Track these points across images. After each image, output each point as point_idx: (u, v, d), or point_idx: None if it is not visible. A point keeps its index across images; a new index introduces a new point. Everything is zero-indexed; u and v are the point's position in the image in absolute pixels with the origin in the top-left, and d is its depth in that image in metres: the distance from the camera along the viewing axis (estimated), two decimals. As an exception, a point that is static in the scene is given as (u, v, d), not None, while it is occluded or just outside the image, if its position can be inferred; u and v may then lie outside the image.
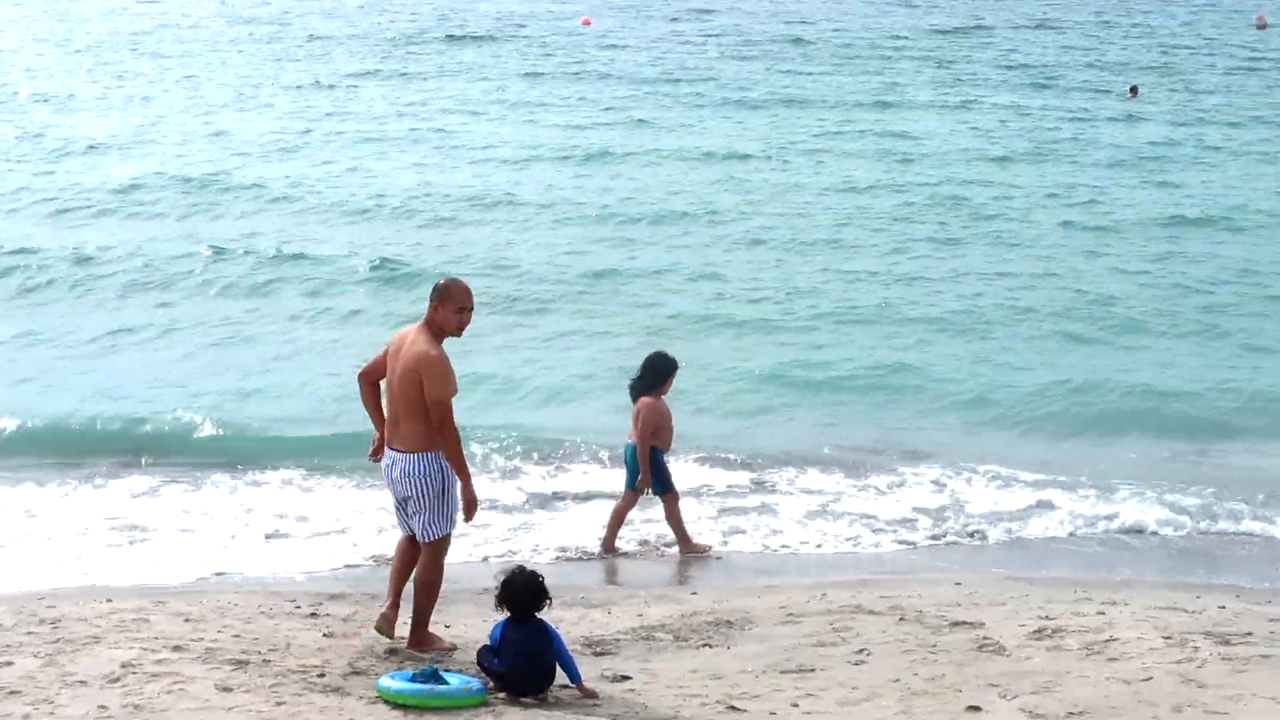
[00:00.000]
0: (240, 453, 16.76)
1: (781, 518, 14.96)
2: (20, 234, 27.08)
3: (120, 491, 15.37)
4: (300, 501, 15.28)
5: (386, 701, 8.69)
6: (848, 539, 14.66)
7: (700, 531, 14.37)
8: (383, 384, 10.63)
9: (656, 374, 13.96)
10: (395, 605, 10.54)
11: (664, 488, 13.99)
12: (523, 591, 9.20)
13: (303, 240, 26.96)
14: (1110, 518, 15.27)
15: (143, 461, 16.44)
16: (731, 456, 16.71)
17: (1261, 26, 66.02)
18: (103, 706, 8.52)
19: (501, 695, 8.99)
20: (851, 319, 23.04)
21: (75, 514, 14.58)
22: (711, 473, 16.20)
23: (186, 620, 10.70)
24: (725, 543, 14.37)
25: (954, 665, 9.93)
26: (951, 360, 21.15)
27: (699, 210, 29.59)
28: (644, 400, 13.86)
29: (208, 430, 17.52)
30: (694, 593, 12.32)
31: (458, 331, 10.43)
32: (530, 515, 15.15)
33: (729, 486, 15.87)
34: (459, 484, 10.33)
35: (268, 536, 14.25)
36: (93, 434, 17.39)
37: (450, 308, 10.33)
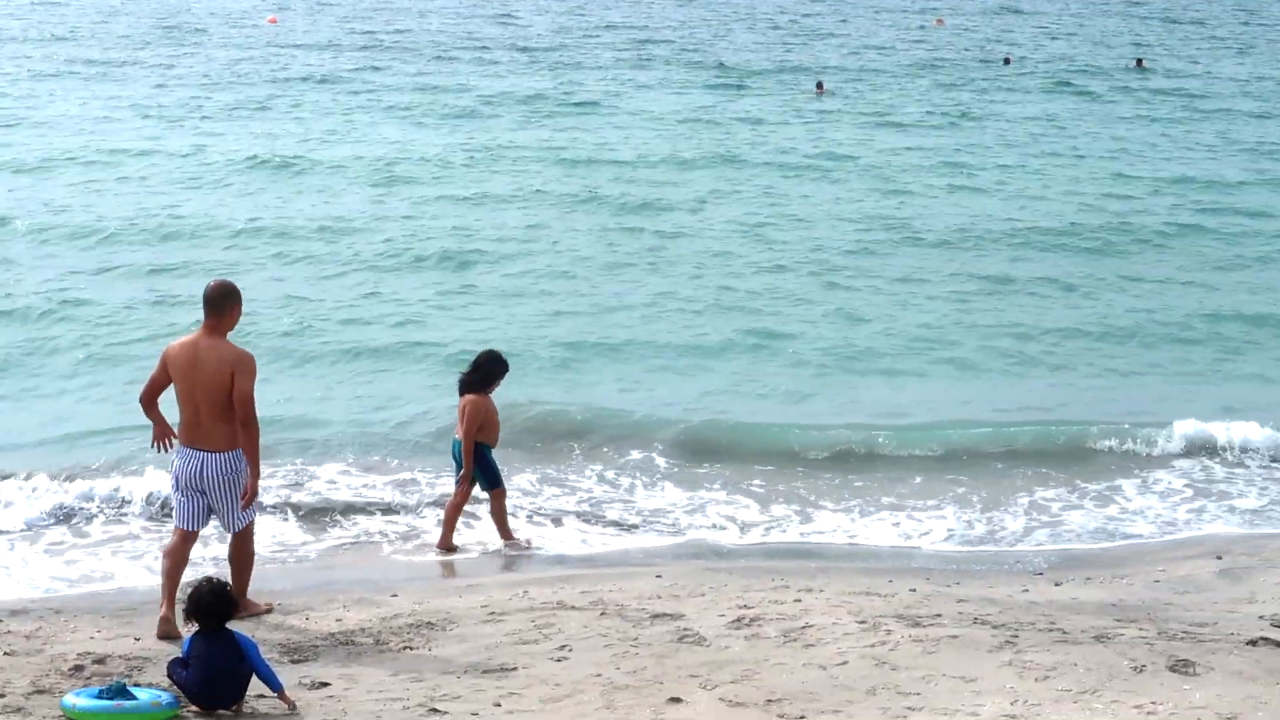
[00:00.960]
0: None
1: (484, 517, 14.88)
2: None
3: None
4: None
5: (72, 720, 8.36)
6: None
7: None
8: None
9: (487, 373, 14.08)
10: (172, 605, 10.82)
11: (491, 483, 14.13)
12: (210, 603, 8.95)
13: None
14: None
15: None
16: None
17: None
18: None
19: (194, 709, 8.72)
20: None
21: None
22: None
23: None
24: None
25: (655, 657, 9.98)
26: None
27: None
28: (470, 397, 13.95)
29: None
30: (394, 595, 12.15)
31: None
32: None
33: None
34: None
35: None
36: None
37: (240, 307, 11.37)
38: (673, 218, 29.70)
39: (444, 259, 25.97)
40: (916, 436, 17.87)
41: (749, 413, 18.86)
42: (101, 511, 14.79)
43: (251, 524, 11.48)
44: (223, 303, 11.24)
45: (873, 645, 10.05)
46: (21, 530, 14.37)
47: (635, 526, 15.12)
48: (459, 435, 14.01)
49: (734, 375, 20.41)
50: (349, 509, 15.25)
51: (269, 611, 11.54)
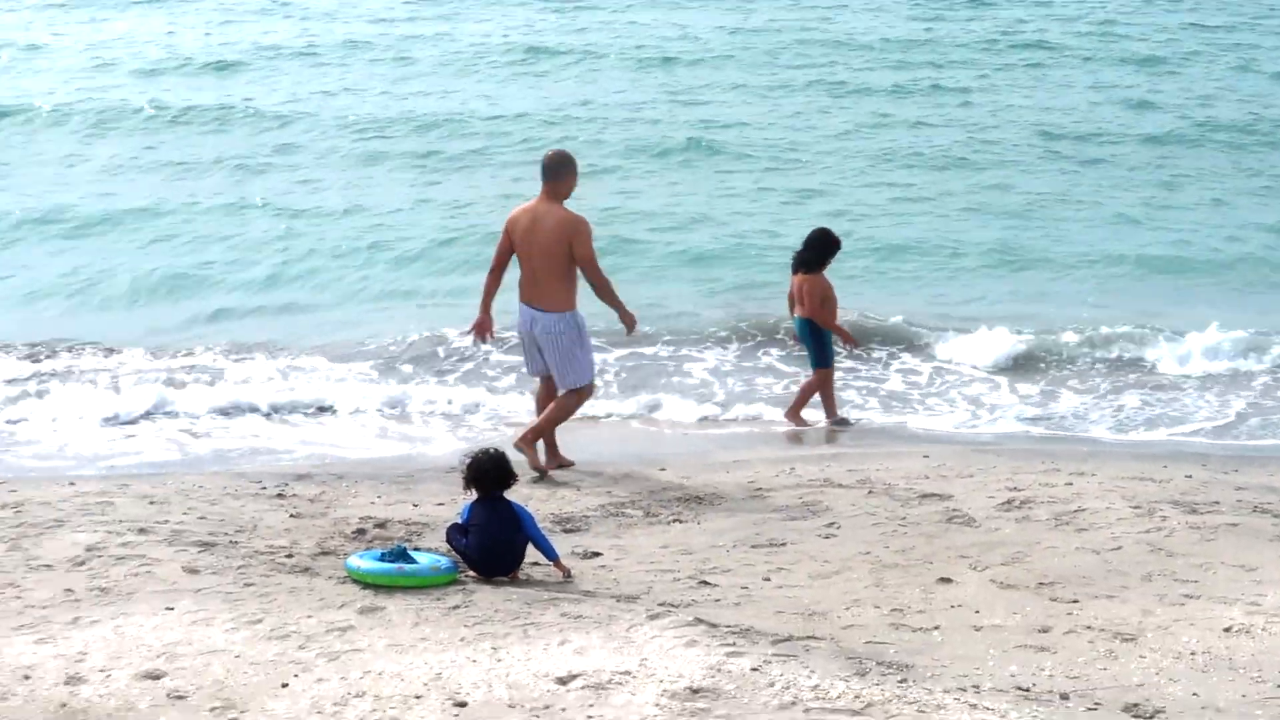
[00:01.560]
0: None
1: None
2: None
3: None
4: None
5: (355, 581, 8.62)
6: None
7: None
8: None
9: (821, 250, 14.18)
10: (533, 435, 12.11)
11: (821, 362, 14.33)
12: (491, 471, 9.11)
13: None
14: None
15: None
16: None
17: None
18: (69, 590, 8.42)
19: (471, 574, 8.93)
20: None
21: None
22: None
23: (151, 503, 10.60)
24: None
25: (924, 537, 9.92)
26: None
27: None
28: (807, 275, 14.12)
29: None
30: (663, 469, 12.27)
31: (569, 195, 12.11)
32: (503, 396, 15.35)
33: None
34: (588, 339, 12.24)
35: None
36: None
37: (575, 177, 12.08)
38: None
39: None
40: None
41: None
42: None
43: (584, 389, 12.29)
44: (560, 170, 11.99)
45: (1148, 531, 9.85)
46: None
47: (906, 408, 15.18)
48: (800, 314, 14.09)
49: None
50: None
51: (572, 465, 12.31)
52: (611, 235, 20.14)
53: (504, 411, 14.80)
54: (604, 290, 12.17)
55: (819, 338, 14.14)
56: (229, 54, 36.07)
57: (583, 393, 12.32)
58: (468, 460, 9.19)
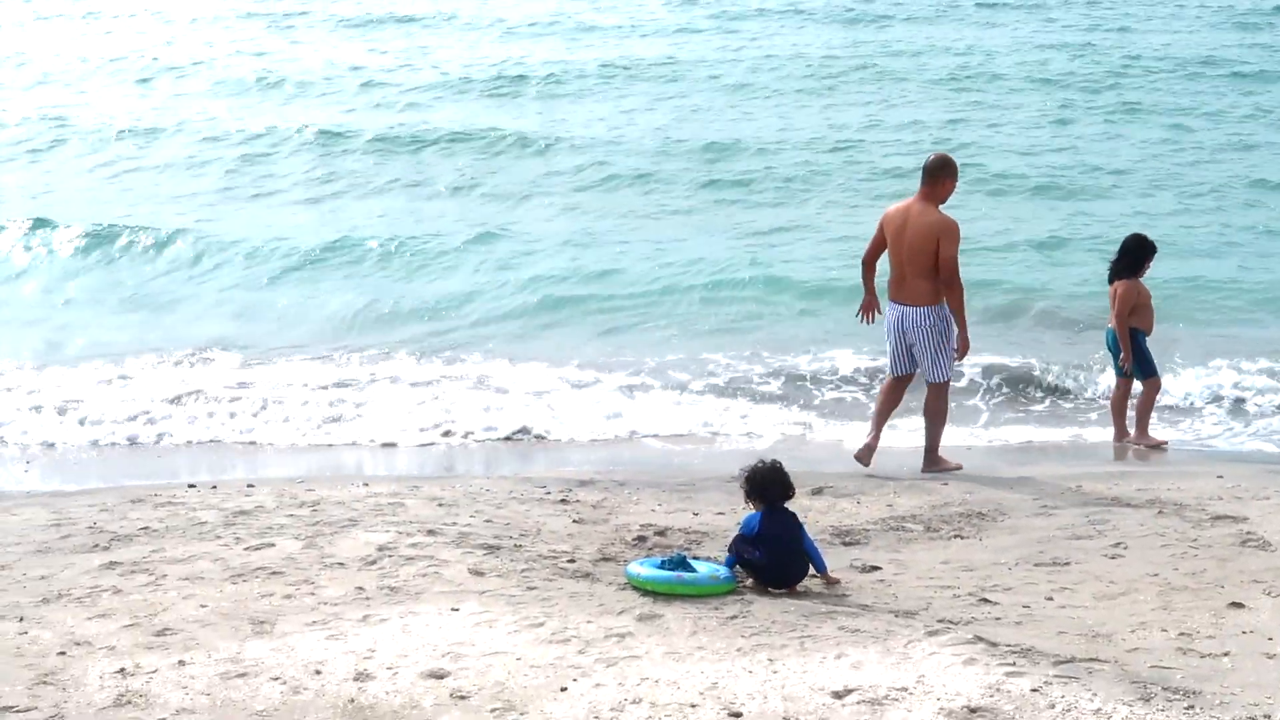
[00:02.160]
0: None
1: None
2: None
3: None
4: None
5: (635, 588, 8.72)
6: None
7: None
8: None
9: (1135, 255, 14.06)
10: (877, 437, 12.86)
11: (1145, 372, 14.10)
12: (775, 483, 9.12)
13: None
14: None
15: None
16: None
17: None
18: (360, 588, 8.70)
19: (749, 583, 8.96)
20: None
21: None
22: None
23: (440, 505, 10.89)
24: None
25: (1215, 560, 9.61)
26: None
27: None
28: (1121, 282, 13.97)
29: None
30: (945, 483, 12.14)
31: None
32: (784, 409, 15.39)
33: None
34: (956, 332, 12.57)
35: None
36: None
37: (955, 181, 12.55)
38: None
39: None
40: None
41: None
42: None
43: (947, 382, 12.88)
44: (939, 174, 12.48)
45: None
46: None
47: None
48: (1112, 324, 13.92)
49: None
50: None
51: (958, 469, 12.72)
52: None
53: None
54: (956, 296, 12.52)
55: (1137, 348, 13.83)
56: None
57: (945, 387, 12.87)
58: (746, 472, 9.22)
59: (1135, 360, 13.86)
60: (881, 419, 13.00)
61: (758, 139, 29.18)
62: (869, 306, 13.04)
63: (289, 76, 36.56)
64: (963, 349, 12.67)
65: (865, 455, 12.81)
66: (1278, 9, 41.28)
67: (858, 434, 13.45)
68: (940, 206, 12.56)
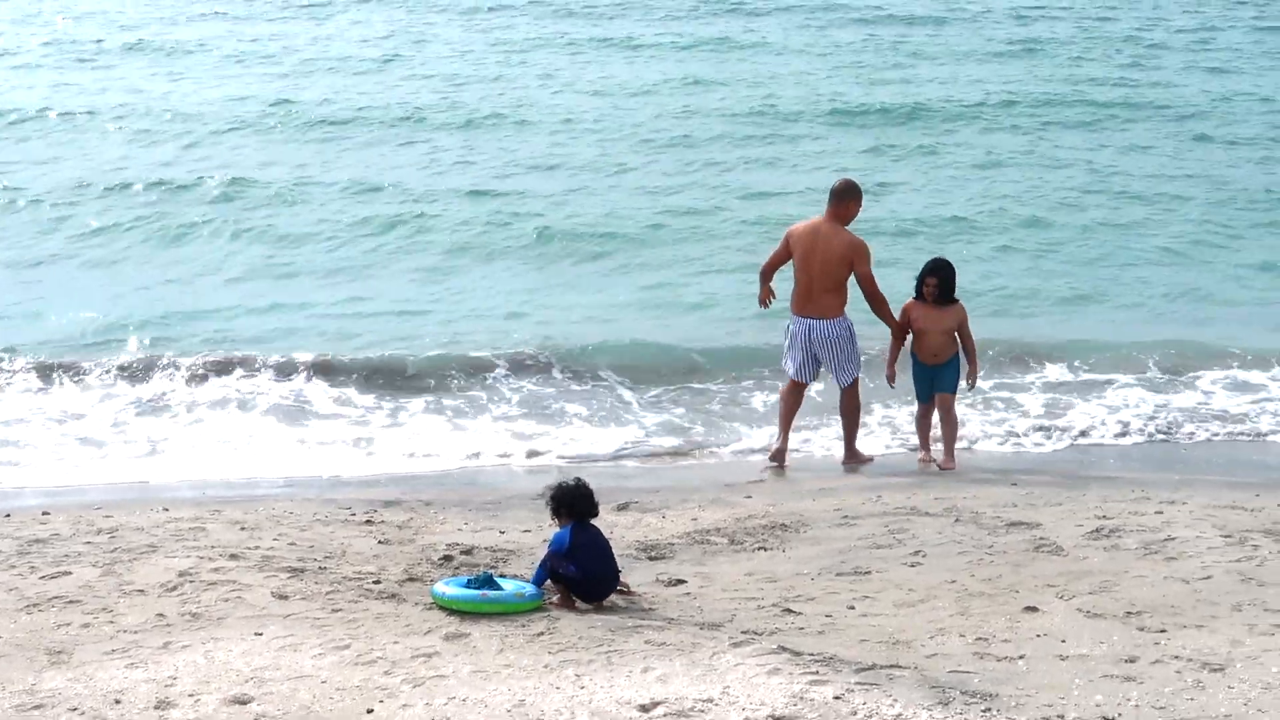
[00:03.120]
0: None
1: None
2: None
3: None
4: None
5: (441, 608, 8.69)
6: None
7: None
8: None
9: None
10: (786, 439, 13.81)
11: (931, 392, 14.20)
12: (580, 500, 9.17)
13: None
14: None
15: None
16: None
17: None
18: (160, 615, 8.55)
19: (555, 600, 8.98)
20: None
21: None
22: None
23: (242, 529, 10.74)
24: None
25: (1011, 566, 9.86)
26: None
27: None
28: (959, 304, 13.94)
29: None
30: (748, 496, 12.29)
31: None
32: (597, 427, 15.40)
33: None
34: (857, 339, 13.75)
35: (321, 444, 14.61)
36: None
37: (860, 204, 13.46)
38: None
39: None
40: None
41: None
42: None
43: (856, 381, 13.70)
44: (846, 196, 13.35)
45: (1238, 560, 9.74)
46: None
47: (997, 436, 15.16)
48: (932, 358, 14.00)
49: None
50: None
51: (871, 461, 13.86)
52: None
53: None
54: (881, 306, 13.56)
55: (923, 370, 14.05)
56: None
57: (856, 387, 13.73)
58: (551, 490, 9.25)
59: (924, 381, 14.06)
60: (787, 422, 13.83)
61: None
62: (766, 295, 13.79)
63: None
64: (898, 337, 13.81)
65: (779, 457, 13.71)
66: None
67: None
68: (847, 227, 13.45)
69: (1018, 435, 15.23)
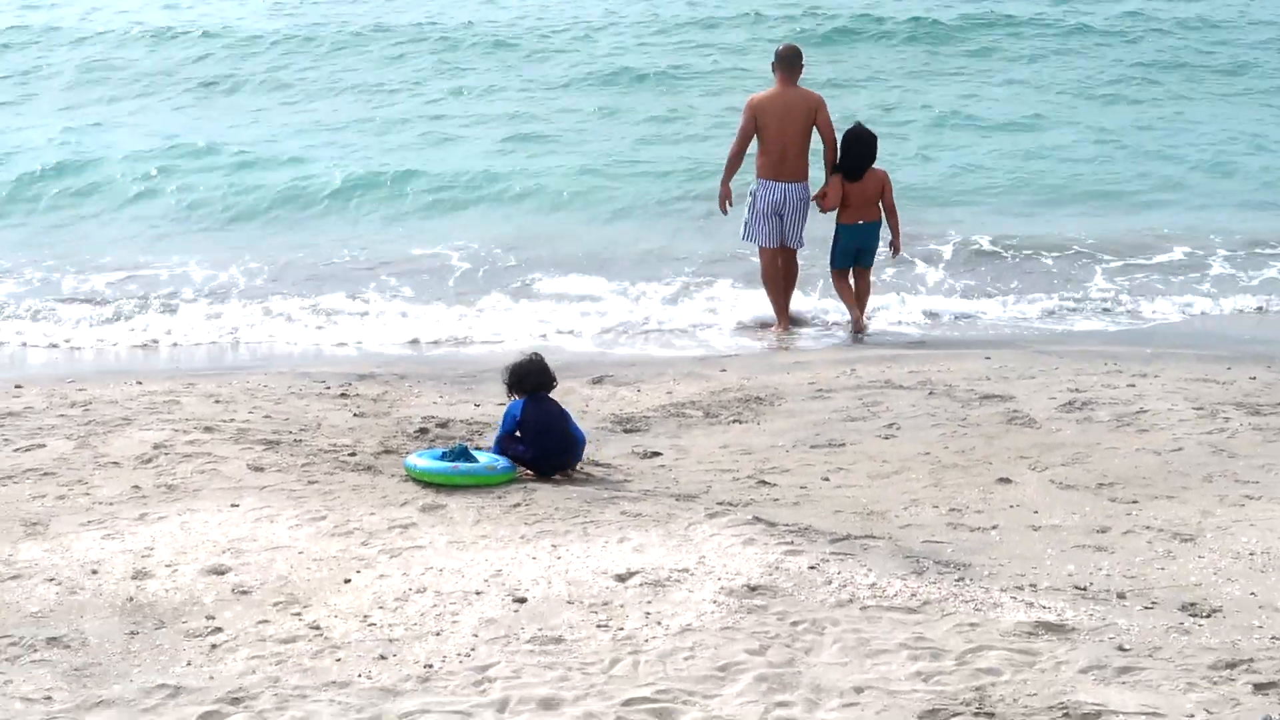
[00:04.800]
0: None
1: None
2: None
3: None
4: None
5: (415, 479, 8.71)
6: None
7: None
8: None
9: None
10: (785, 315, 14.34)
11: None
12: (532, 374, 9.16)
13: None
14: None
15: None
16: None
17: None
18: (136, 486, 8.55)
19: (530, 473, 9.00)
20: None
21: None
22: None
23: (217, 402, 10.72)
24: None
25: (984, 438, 9.91)
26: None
27: None
28: (880, 169, 14.28)
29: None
30: (723, 370, 12.30)
31: None
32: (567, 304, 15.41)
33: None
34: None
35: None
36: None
37: (803, 65, 14.10)
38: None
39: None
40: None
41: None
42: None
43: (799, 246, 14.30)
44: (796, 60, 14.02)
45: (1209, 432, 9.81)
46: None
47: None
48: (864, 217, 14.22)
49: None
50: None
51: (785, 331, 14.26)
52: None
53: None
54: (834, 147, 14.04)
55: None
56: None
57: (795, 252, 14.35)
58: (508, 367, 9.25)
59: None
60: (782, 297, 14.34)
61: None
62: (728, 196, 14.23)
63: None
64: (829, 196, 14.07)
65: (787, 326, 14.28)
66: None
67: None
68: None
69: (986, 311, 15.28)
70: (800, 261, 14.51)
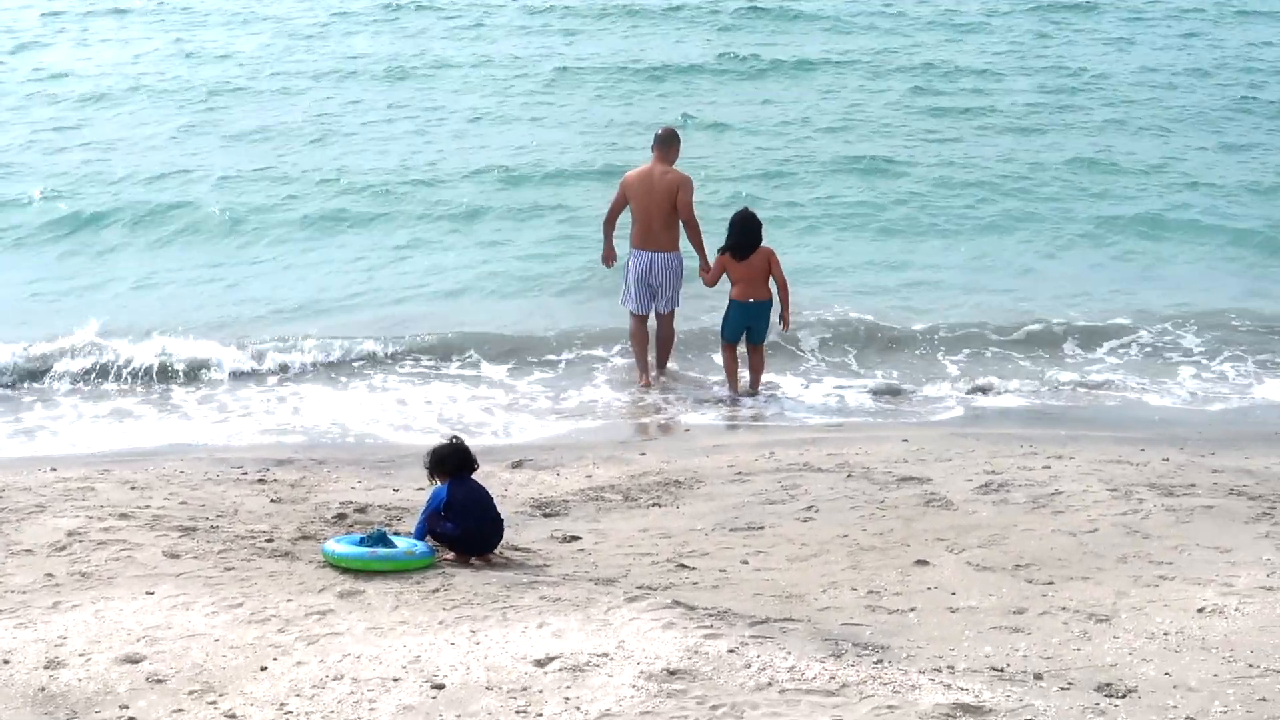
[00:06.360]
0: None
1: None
2: None
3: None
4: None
5: (332, 565, 8.66)
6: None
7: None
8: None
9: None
10: (645, 374, 15.11)
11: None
12: (450, 457, 9.16)
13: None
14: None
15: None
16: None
17: None
18: (49, 575, 8.46)
19: (449, 558, 8.97)
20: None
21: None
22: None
23: (132, 488, 10.63)
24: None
25: (901, 520, 9.98)
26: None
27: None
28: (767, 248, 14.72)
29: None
30: (642, 453, 12.33)
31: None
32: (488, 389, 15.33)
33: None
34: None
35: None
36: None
37: (679, 148, 15.13)
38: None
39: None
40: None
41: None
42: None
43: (674, 311, 15.24)
44: (671, 142, 15.07)
45: (1124, 514, 9.92)
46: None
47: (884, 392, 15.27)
48: (754, 296, 14.66)
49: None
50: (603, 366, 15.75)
51: (646, 387, 14.87)
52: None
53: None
54: (696, 232, 15.02)
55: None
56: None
57: (673, 315, 15.28)
58: (429, 451, 9.26)
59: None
60: (644, 356, 15.16)
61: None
62: (609, 255, 15.43)
63: None
64: (711, 272, 14.85)
65: (649, 384, 14.99)
66: None
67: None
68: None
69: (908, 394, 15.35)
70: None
